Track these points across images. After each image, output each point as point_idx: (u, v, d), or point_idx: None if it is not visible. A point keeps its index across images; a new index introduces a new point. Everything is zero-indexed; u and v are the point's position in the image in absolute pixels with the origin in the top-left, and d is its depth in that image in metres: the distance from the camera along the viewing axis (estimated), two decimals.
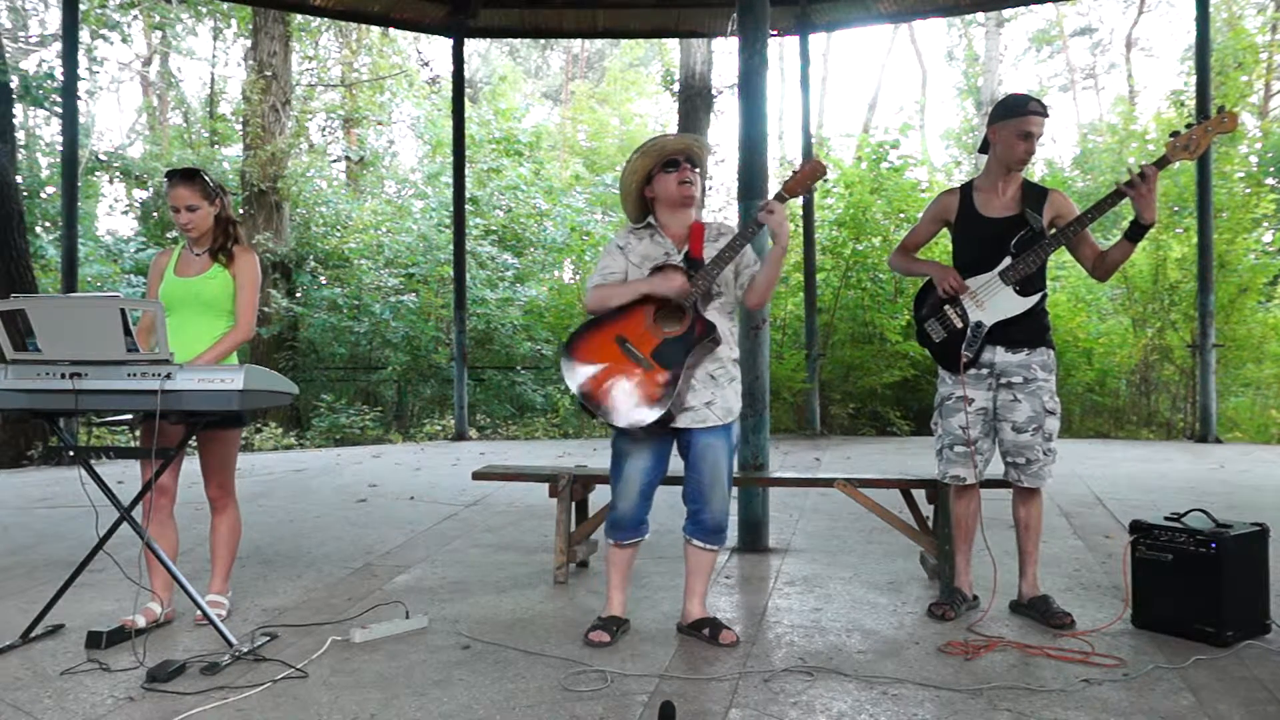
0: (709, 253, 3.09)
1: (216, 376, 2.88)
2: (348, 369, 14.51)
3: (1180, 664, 2.82)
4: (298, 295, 14.74)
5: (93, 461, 3.24)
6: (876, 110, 24.95)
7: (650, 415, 2.97)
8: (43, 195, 14.72)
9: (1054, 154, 22.33)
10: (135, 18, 15.61)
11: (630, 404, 2.98)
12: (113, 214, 20.24)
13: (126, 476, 5.94)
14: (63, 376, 2.91)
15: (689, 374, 3.03)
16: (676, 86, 13.39)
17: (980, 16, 22.31)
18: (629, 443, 3.11)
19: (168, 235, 15.95)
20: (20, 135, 14.97)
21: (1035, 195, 3.34)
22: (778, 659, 2.92)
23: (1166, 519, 3.21)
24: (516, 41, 25.21)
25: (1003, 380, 3.32)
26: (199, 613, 3.08)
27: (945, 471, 3.45)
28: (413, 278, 14.58)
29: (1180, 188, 11.79)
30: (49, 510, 5.89)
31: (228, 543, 3.46)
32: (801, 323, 11.44)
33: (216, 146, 18.09)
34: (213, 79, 19.33)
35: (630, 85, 25.62)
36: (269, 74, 14.64)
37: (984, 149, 3.41)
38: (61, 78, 9.01)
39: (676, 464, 3.20)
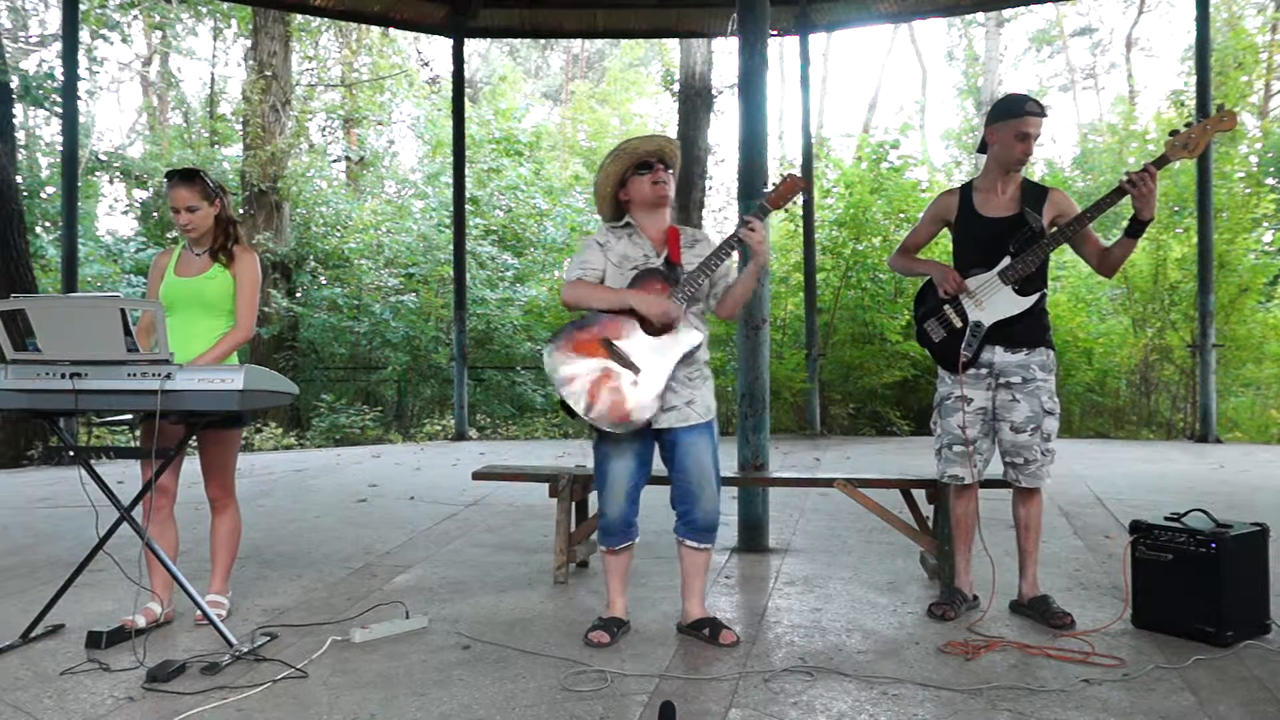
0: (686, 258, 3.13)
1: (216, 376, 2.88)
2: (348, 369, 14.52)
3: (1180, 664, 2.82)
4: (298, 295, 14.75)
5: (93, 461, 3.24)
6: (876, 110, 24.99)
7: (639, 418, 2.99)
8: (43, 195, 14.72)
9: (1054, 154, 22.38)
10: (135, 18, 15.63)
11: (618, 407, 2.98)
12: (113, 214, 20.26)
13: (126, 476, 5.94)
14: (63, 376, 2.91)
15: (673, 378, 3.07)
16: (676, 86, 13.38)
17: (980, 16, 22.33)
18: (612, 446, 3.12)
19: (168, 235, 15.96)
20: (20, 135, 14.99)
21: (1035, 194, 3.34)
22: (778, 659, 2.93)
23: (1166, 519, 3.21)
24: (516, 41, 25.21)
25: (1002, 380, 3.32)
26: (199, 613, 3.08)
27: (944, 471, 3.45)
28: (413, 278, 14.59)
29: (1180, 188, 11.79)
30: (49, 510, 5.89)
31: (228, 543, 3.46)
32: (801, 323, 11.44)
33: (216, 146, 18.10)
34: (213, 79, 19.35)
35: (630, 85, 25.63)
36: (269, 74, 14.65)
37: (982, 149, 3.41)
38: (61, 78, 9.01)
39: (660, 467, 3.21)
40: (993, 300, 3.30)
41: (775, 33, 10.53)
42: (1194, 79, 10.08)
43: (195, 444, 3.32)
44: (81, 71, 12.55)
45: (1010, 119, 3.27)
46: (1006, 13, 21.42)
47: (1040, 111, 3.29)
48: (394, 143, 20.40)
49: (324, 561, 4.37)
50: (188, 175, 3.37)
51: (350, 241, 15.23)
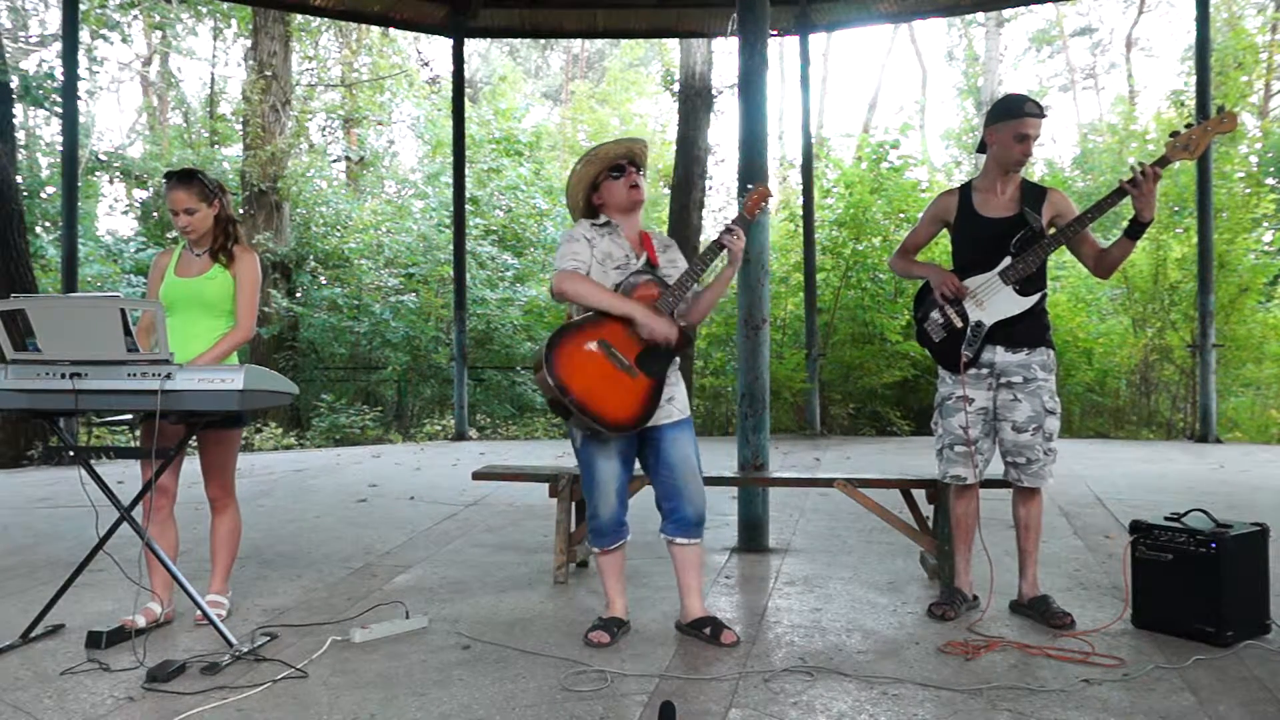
0: (660, 261, 3.22)
1: (216, 376, 2.88)
2: (348, 369, 14.52)
3: (1180, 664, 2.82)
4: (298, 295, 14.75)
5: (93, 461, 3.24)
6: (876, 110, 25.00)
7: (638, 421, 3.00)
8: (43, 195, 14.72)
9: (1054, 154, 22.38)
10: (135, 18, 15.62)
11: (617, 409, 2.99)
12: (113, 214, 20.27)
13: (126, 476, 5.94)
14: (63, 376, 2.91)
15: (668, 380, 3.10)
16: (676, 86, 13.37)
17: (980, 16, 22.33)
18: (598, 447, 3.12)
19: (168, 235, 15.96)
20: (20, 135, 14.99)
21: (1034, 195, 3.34)
22: (778, 659, 2.93)
23: (1166, 519, 3.21)
24: (516, 41, 25.21)
25: (1003, 380, 3.32)
26: (199, 613, 3.08)
27: (945, 471, 3.45)
28: (413, 278, 14.59)
29: (1180, 188, 11.80)
30: (49, 510, 5.89)
31: (228, 543, 3.46)
32: (801, 323, 11.44)
33: (216, 146, 18.10)
34: (213, 79, 19.35)
35: (630, 85, 25.63)
36: (269, 74, 14.64)
37: (982, 149, 3.41)
38: (61, 78, 9.01)
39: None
40: (993, 300, 3.30)
41: (775, 33, 10.53)
42: (1194, 79, 10.08)
43: (195, 444, 3.32)
44: (81, 71, 12.56)
45: (1009, 120, 3.28)
46: (1006, 13, 21.44)
47: (1039, 112, 3.29)
48: (394, 143, 20.43)
49: (324, 561, 4.37)
50: (185, 177, 3.36)
51: (350, 241, 15.23)
